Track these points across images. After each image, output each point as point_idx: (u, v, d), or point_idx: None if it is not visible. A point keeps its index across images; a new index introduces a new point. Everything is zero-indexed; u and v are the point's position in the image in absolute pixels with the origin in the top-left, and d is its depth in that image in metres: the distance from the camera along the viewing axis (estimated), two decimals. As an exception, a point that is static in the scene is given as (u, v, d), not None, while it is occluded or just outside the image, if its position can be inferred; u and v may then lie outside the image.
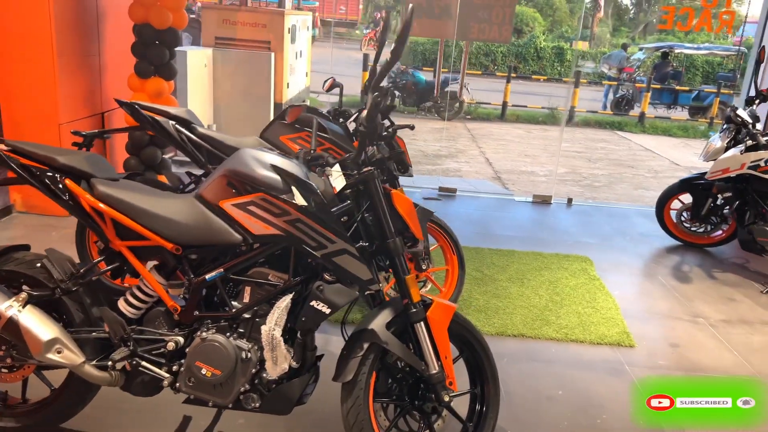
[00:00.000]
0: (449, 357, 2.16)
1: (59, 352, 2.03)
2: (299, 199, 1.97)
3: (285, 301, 2.02)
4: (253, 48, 7.42)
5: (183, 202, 2.10)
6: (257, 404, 2.09)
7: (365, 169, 2.09)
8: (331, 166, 2.16)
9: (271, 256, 2.13)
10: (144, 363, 2.11)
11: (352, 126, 3.34)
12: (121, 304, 2.18)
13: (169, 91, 5.00)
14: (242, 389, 2.08)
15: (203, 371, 2.05)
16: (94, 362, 2.09)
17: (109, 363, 2.06)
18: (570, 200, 6.13)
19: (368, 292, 2.09)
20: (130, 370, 2.12)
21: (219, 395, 2.09)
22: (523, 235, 5.02)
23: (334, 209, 2.07)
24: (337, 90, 3.72)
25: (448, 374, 2.15)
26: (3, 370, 2.23)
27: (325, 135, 3.10)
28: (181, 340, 2.11)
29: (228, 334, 2.08)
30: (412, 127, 3.14)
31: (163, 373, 2.10)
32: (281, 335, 2.05)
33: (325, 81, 3.70)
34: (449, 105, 12.76)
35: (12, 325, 2.00)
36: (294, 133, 3.15)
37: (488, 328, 3.36)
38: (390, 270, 3.30)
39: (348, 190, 2.13)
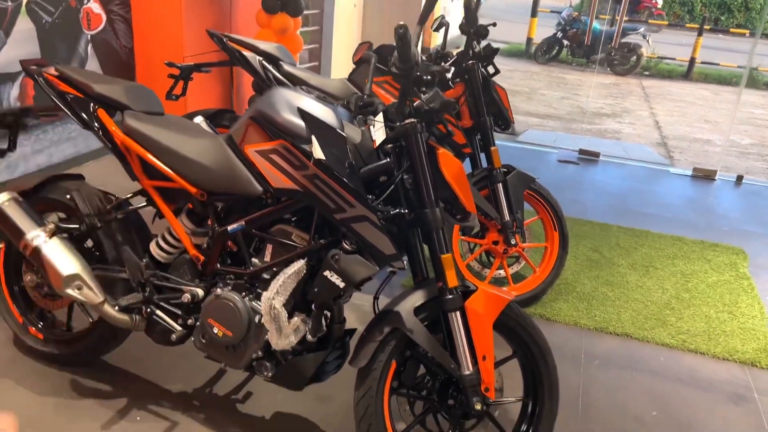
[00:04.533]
0: (490, 358, 1.78)
1: (79, 289, 1.97)
2: (317, 152, 1.68)
3: (294, 267, 1.77)
4: (407, -12, 7.14)
5: (212, 143, 1.91)
6: (270, 374, 1.90)
7: (406, 121, 1.73)
8: (375, 115, 1.83)
9: (301, 214, 1.88)
10: (158, 312, 2.00)
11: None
12: (153, 246, 2.08)
13: (296, 29, 4.88)
14: (255, 356, 1.89)
15: (215, 330, 1.88)
16: (115, 303, 2.01)
17: (116, 307, 1.96)
18: (740, 177, 5.15)
19: (390, 269, 1.76)
20: (145, 317, 2.02)
21: (230, 358, 1.92)
22: (667, 215, 4.28)
23: (368, 167, 1.75)
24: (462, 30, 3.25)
25: (485, 378, 1.78)
26: (47, 296, 2.26)
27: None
28: (200, 293, 1.95)
29: (244, 293, 1.89)
30: (494, 24, 2.94)
31: (175, 324, 1.98)
32: (291, 305, 1.82)
33: (435, 19, 3.29)
34: (625, 58, 11.51)
35: (37, 254, 1.97)
36: (381, 76, 2.83)
37: (586, 321, 2.86)
38: (476, 240, 2.96)
39: (389, 145, 1.80)
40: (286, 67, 2.97)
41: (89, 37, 4.02)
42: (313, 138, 1.69)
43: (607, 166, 5.32)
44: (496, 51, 2.83)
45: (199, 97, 4.63)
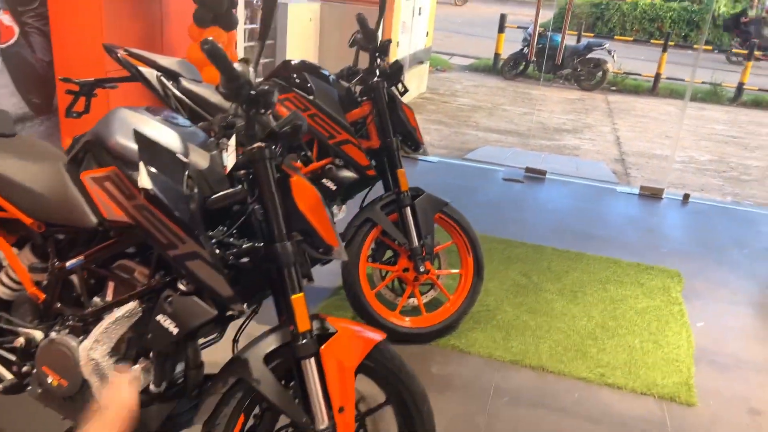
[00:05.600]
0: (349, 409, 1.60)
1: None
2: (143, 179, 1.49)
3: (122, 311, 1.58)
4: (364, 3, 7.02)
5: (50, 169, 1.72)
6: (113, 427, 1.69)
7: (253, 146, 1.55)
8: (228, 138, 1.66)
9: (144, 249, 1.69)
10: (-12, 357, 1.79)
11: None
12: (-5, 283, 1.87)
13: (230, 43, 4.70)
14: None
15: (49, 379, 1.68)
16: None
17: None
18: (687, 196, 5.03)
19: (230, 313, 1.57)
20: (-23, 361, 1.81)
21: (69, 410, 1.72)
22: (605, 235, 4.14)
23: (215, 195, 1.57)
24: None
25: (342, 432, 1.59)
26: None
27: (308, 97, 2.57)
28: (39, 336, 1.75)
29: (82, 337, 1.69)
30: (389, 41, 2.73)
31: (6, 372, 1.77)
32: (133, 351, 1.62)
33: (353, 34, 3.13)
34: (591, 74, 11.50)
35: None
36: (283, 93, 2.65)
37: (501, 353, 2.69)
38: (386, 267, 2.78)
39: (242, 172, 1.62)
40: (185, 83, 2.79)
41: (-1, 50, 3.81)
42: (141, 164, 1.51)
43: (553, 184, 5.18)
44: (401, 69, 2.67)
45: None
